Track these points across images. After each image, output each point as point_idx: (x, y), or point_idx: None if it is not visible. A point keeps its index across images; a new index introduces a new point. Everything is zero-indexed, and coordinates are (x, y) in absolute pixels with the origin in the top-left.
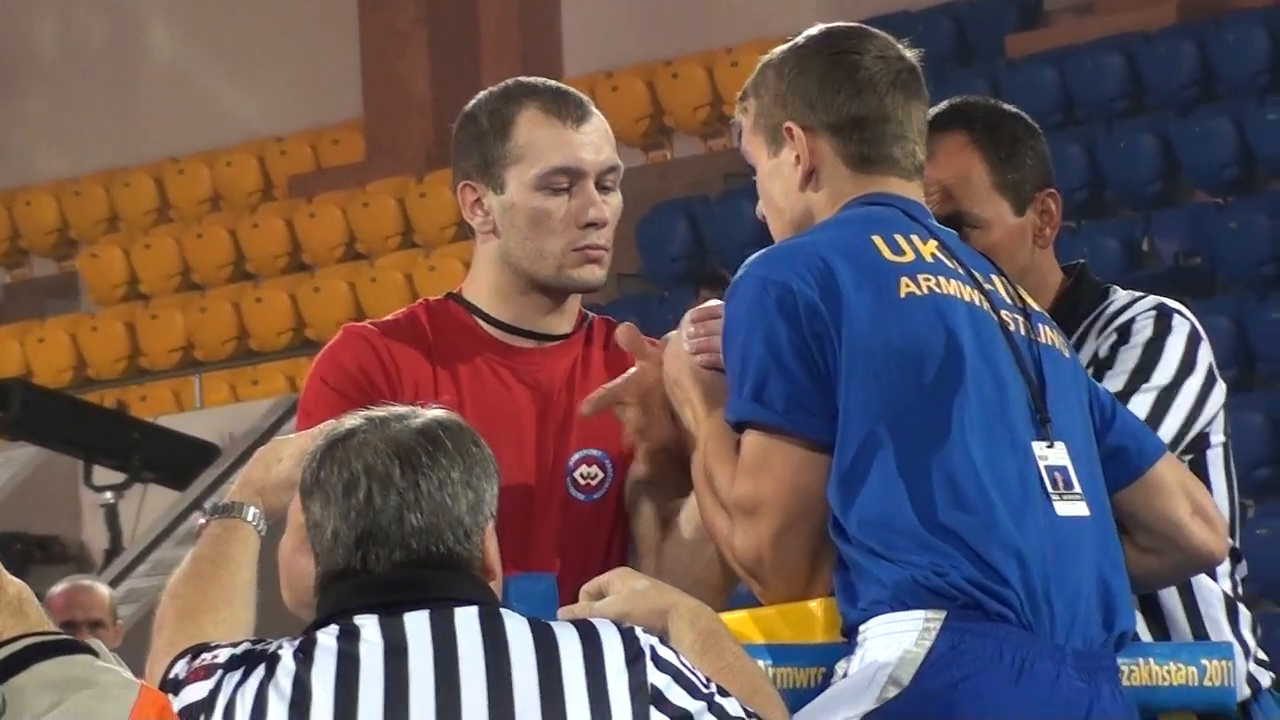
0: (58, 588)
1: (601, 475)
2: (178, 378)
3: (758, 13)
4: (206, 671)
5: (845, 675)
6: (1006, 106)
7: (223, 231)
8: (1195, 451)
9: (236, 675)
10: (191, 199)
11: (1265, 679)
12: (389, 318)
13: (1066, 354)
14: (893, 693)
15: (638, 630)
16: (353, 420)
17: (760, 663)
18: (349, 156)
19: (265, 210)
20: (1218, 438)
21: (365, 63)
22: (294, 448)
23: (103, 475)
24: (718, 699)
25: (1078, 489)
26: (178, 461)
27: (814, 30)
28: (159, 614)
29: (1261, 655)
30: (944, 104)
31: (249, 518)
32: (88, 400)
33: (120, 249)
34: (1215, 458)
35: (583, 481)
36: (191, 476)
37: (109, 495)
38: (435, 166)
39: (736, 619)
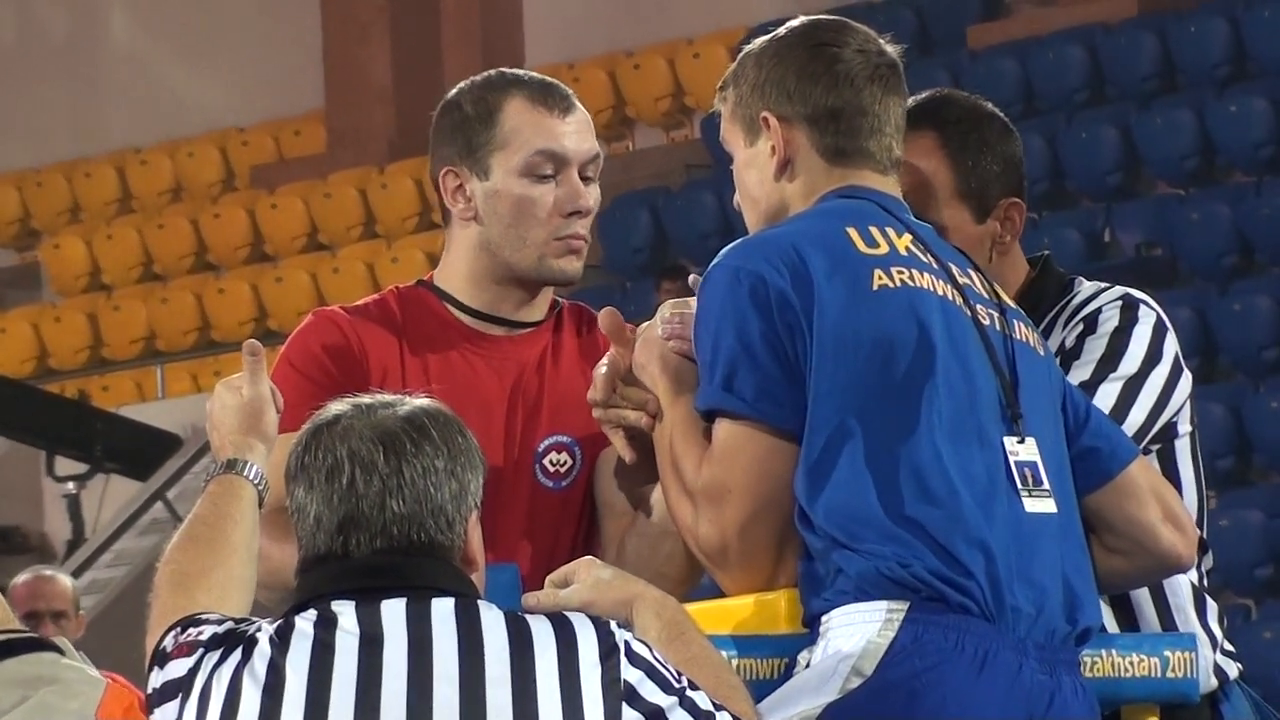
0: (20, 578)
1: (571, 463)
2: (140, 368)
3: (720, 4)
4: (189, 648)
5: (808, 665)
6: (986, 106)
7: (184, 222)
8: (1163, 441)
9: (215, 656)
10: (153, 189)
11: (1233, 670)
12: (359, 302)
13: (1041, 352)
14: (855, 683)
15: (612, 625)
16: (339, 406)
17: (724, 653)
18: (311, 147)
19: (227, 201)
20: (1185, 427)
21: (327, 53)
22: (228, 382)
23: (65, 466)
24: (689, 693)
25: (1047, 486)
26: (140, 452)
27: (795, 22)
28: (155, 581)
29: (1228, 646)
30: (923, 96)
31: (248, 474)
32: (50, 391)
33: (82, 239)
34: (1183, 447)
35: (551, 469)
36: (154, 467)
37: (71, 486)
38: (397, 157)
39: (701, 609)
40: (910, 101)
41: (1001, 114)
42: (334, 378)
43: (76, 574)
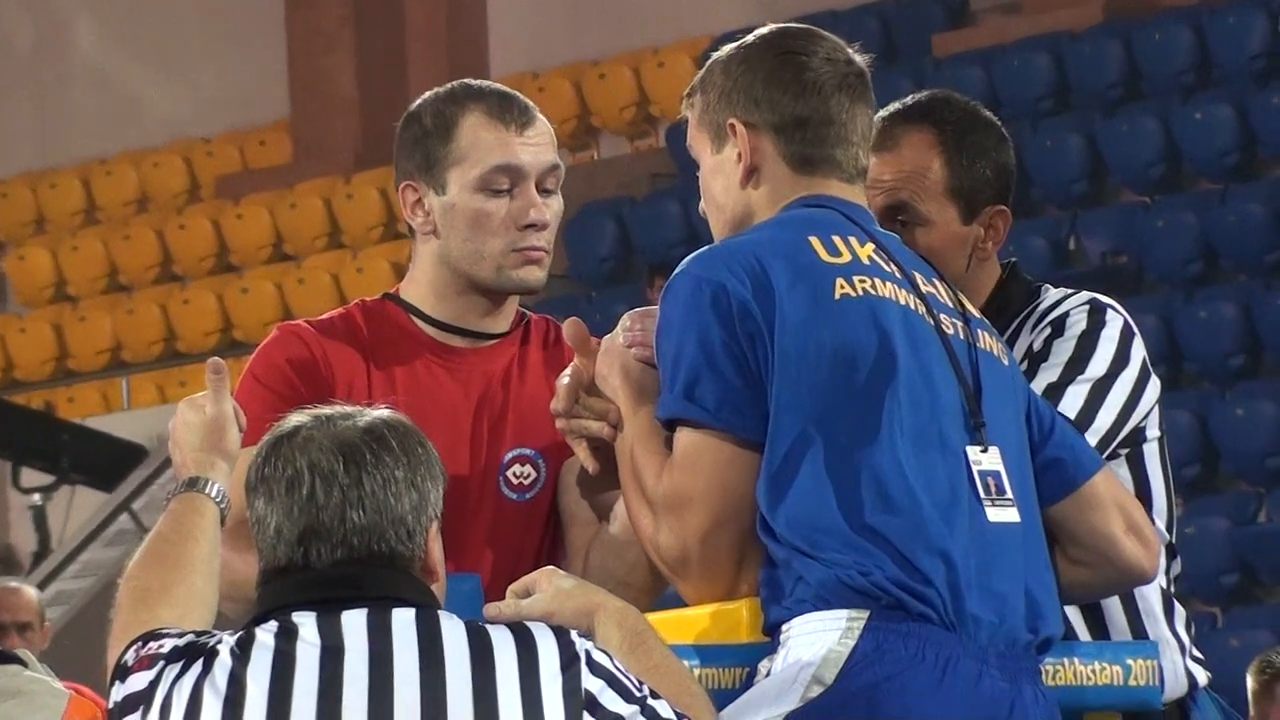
0: None
1: (534, 475)
2: (105, 379)
3: (685, 14)
4: (150, 661)
5: (769, 674)
6: (984, 113)
7: (150, 233)
8: (1132, 445)
9: (176, 668)
10: (118, 200)
11: (1201, 676)
12: (325, 316)
13: (1005, 361)
14: (816, 691)
15: (573, 635)
16: (299, 417)
17: (686, 663)
18: (276, 157)
19: (192, 211)
20: (1153, 432)
21: (292, 63)
22: (192, 400)
23: (31, 477)
24: (650, 702)
25: (1010, 495)
26: (106, 463)
27: (764, 30)
28: (117, 597)
29: (1197, 653)
30: (923, 95)
31: (210, 492)
32: (15, 402)
33: (47, 250)
34: (1152, 452)
35: (515, 481)
36: (119, 478)
37: (37, 497)
38: (363, 167)
39: (662, 619)
40: (910, 99)
41: (999, 122)
42: (299, 392)
43: (42, 585)
